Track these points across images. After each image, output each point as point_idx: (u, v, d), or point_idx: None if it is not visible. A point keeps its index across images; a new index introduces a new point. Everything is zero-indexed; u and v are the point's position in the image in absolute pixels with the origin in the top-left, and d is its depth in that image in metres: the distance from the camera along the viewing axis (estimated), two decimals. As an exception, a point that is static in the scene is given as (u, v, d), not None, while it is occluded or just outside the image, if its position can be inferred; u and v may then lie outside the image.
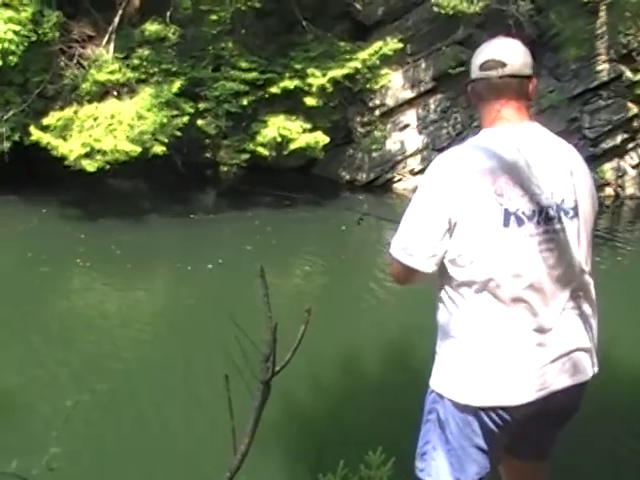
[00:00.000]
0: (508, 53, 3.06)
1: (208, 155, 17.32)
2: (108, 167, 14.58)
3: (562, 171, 3.03)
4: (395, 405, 7.04)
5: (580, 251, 3.06)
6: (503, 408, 3.00)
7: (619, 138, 17.40)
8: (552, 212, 2.98)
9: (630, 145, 17.56)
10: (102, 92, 15.67)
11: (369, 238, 14.06)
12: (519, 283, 2.93)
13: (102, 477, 6.07)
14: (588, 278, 3.12)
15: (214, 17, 16.41)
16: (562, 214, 3.00)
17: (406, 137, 18.26)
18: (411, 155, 18.22)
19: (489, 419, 3.03)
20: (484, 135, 3.09)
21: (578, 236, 3.04)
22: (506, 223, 2.90)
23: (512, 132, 3.04)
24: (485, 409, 3.01)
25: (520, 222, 2.92)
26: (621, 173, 17.52)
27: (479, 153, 2.99)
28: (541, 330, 2.98)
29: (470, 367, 3.01)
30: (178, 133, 15.30)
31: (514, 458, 3.36)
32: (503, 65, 3.02)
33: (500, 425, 3.04)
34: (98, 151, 14.38)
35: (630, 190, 17.49)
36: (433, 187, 2.98)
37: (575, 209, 3.03)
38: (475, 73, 3.11)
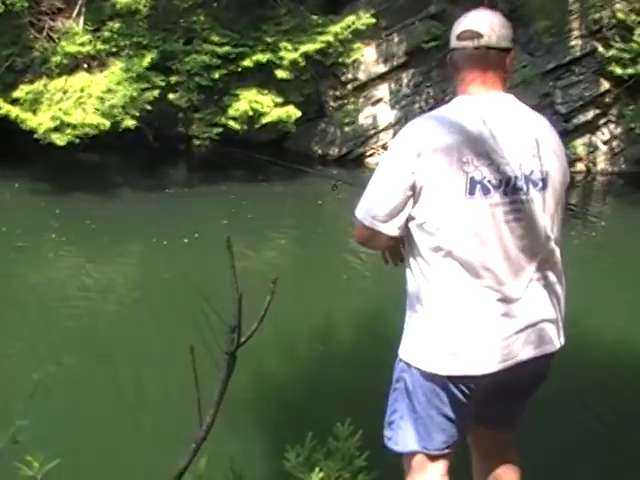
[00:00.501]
0: (486, 24, 3.09)
1: (180, 129, 17.24)
2: (78, 141, 14.46)
3: (531, 143, 3.04)
4: (366, 377, 7.06)
5: (548, 223, 3.07)
6: (469, 377, 3.01)
7: (591, 114, 17.45)
8: (520, 183, 2.99)
9: (602, 121, 17.62)
10: (72, 65, 15.51)
11: (344, 210, 14.01)
12: (485, 252, 2.95)
13: (68, 450, 6.04)
14: (556, 250, 3.13)
15: (185, -10, 16.30)
16: (530, 185, 3.01)
17: (378, 111, 18.23)
18: (383, 129, 18.18)
19: (456, 388, 3.05)
20: (454, 104, 3.12)
21: (546, 208, 3.05)
22: (472, 191, 2.91)
23: (482, 102, 3.06)
24: (452, 378, 3.03)
25: (486, 191, 2.93)
26: (592, 149, 17.59)
27: (447, 121, 3.01)
28: (507, 300, 2.99)
29: (436, 336, 3.03)
30: (149, 107, 15.16)
31: (482, 427, 3.39)
32: (479, 36, 3.05)
33: (467, 394, 3.06)
34: (68, 125, 14.26)
35: (601, 165, 17.58)
36: (399, 152, 3.01)
37: (544, 181, 3.04)
38: (453, 43, 3.14)
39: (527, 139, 3.04)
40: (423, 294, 3.05)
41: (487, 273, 2.96)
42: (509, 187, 2.97)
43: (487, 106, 3.05)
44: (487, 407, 3.22)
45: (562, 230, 3.22)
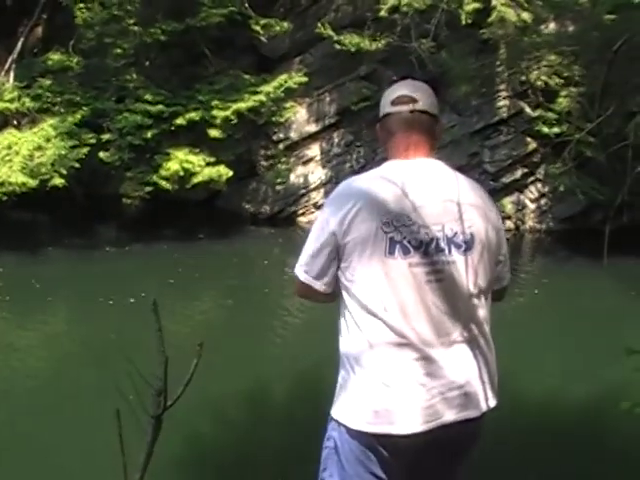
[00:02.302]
0: (418, 91, 3.17)
1: (111, 187, 17.10)
2: (6, 198, 14.29)
3: (454, 206, 3.07)
4: (297, 439, 7.00)
5: (474, 284, 3.07)
6: (393, 436, 3.00)
7: (519, 172, 17.78)
8: (442, 244, 3.01)
9: (529, 179, 17.96)
10: (1, 122, 15.40)
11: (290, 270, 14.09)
12: (406, 311, 2.97)
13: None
14: (482, 311, 3.14)
15: (118, 50, 16.31)
16: (452, 247, 3.03)
17: (310, 170, 18.35)
18: (315, 188, 18.30)
19: (382, 447, 3.03)
20: (383, 167, 3.16)
21: (470, 269, 3.06)
22: (391, 251, 2.95)
23: (409, 167, 3.11)
24: (376, 436, 3.02)
25: (406, 251, 2.96)
26: (521, 207, 17.90)
27: (373, 183, 3.07)
28: (430, 360, 2.99)
29: (361, 394, 3.04)
30: (77, 165, 15.05)
31: None
32: (414, 101, 3.12)
33: (393, 454, 3.04)
34: (-5, 182, 14.10)
35: (530, 223, 17.88)
36: (326, 211, 3.09)
37: (467, 243, 3.06)
38: (386, 108, 3.19)
39: (450, 202, 3.07)
40: (350, 351, 3.07)
41: (410, 332, 2.97)
42: (430, 248, 2.99)
43: (413, 170, 3.10)
44: (417, 470, 3.19)
45: (499, 289, 3.26)
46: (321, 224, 3.08)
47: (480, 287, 3.10)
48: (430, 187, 3.07)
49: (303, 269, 3.13)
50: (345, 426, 3.07)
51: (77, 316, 11.65)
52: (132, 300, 11.40)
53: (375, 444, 3.03)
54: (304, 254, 3.13)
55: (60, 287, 12.82)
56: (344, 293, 3.07)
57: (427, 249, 2.99)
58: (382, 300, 2.96)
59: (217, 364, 8.47)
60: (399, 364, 2.98)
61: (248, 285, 13.76)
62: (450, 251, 3.02)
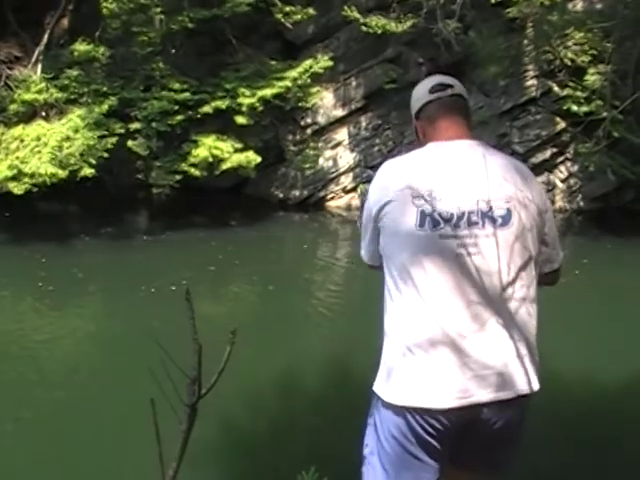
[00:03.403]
0: (450, 80, 3.38)
1: (140, 176, 17.17)
2: (36, 190, 14.38)
3: (493, 181, 3.07)
4: (333, 425, 7.01)
5: (510, 260, 3.05)
6: (425, 410, 2.99)
7: (548, 152, 17.69)
8: (475, 217, 3.02)
9: (559, 159, 17.85)
10: (30, 113, 15.49)
11: (333, 255, 14.18)
12: (437, 285, 2.99)
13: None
14: (522, 288, 3.09)
15: (144, 38, 16.33)
16: (487, 221, 3.02)
17: (338, 155, 18.34)
18: (343, 173, 18.30)
19: (416, 422, 3.02)
20: (426, 147, 3.24)
21: (508, 245, 3.04)
22: (421, 224, 3.01)
23: (450, 146, 3.19)
24: (409, 410, 3.01)
25: (436, 223, 3.01)
26: (551, 187, 17.79)
27: (409, 162, 3.19)
28: (462, 335, 2.98)
29: (396, 366, 3.07)
30: (106, 154, 15.09)
31: (458, 470, 3.32)
32: (451, 87, 3.32)
33: (429, 431, 3.03)
34: (25, 174, 14.19)
35: (559, 203, 17.77)
36: (369, 193, 3.24)
37: (504, 218, 3.04)
38: (425, 98, 3.34)
39: (488, 178, 3.07)
40: (388, 323, 3.14)
41: (442, 308, 2.98)
42: (462, 221, 3.00)
43: (452, 149, 3.17)
44: (459, 449, 3.17)
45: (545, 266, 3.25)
46: (366, 205, 3.25)
47: (518, 264, 3.07)
48: (467, 163, 3.12)
49: (362, 252, 3.39)
50: (381, 400, 3.11)
51: (120, 305, 11.57)
52: (173, 288, 11.42)
53: (410, 420, 3.03)
54: (362, 238, 3.36)
55: (101, 276, 12.85)
56: (384, 268, 3.18)
57: (458, 222, 3.01)
58: (414, 274, 3.01)
59: (266, 348, 8.58)
60: (429, 338, 2.99)
61: (289, 270, 13.84)
62: (484, 225, 3.02)
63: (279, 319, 10.76)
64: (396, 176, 3.13)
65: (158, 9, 16.18)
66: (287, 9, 16.87)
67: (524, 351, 3.09)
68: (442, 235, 2.99)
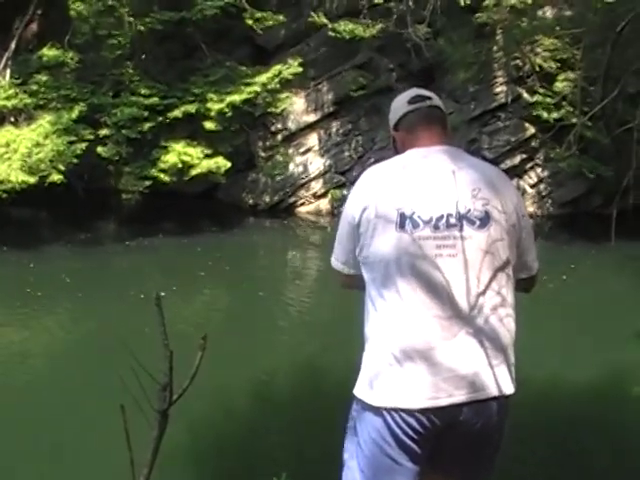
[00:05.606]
0: (428, 93, 3.43)
1: (110, 182, 17.07)
2: (5, 196, 14.26)
3: (471, 185, 3.11)
4: (305, 428, 7.01)
5: (490, 262, 3.07)
6: (403, 410, 3.00)
7: (518, 158, 17.77)
8: (453, 220, 3.05)
9: (529, 165, 17.94)
10: (-1, 119, 15.38)
11: (303, 261, 14.23)
12: (415, 286, 3.02)
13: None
14: (500, 291, 3.11)
15: (113, 41, 16.25)
16: (465, 223, 3.05)
17: (308, 160, 18.32)
18: (314, 178, 18.27)
19: (395, 424, 3.02)
20: (405, 153, 3.28)
21: (486, 247, 3.06)
22: (402, 225, 3.04)
23: (427, 152, 3.23)
24: (388, 410, 3.02)
25: (415, 225, 3.04)
26: (521, 192, 17.81)
27: (389, 166, 3.24)
28: (438, 336, 3.00)
29: (373, 368, 3.08)
30: (75, 160, 14.96)
31: (436, 474, 3.31)
32: (429, 98, 3.38)
33: (408, 433, 3.03)
34: (-7, 180, 14.07)
35: (529, 209, 17.84)
36: (348, 200, 3.25)
37: (483, 220, 3.06)
38: (404, 108, 3.38)
39: (466, 182, 3.12)
40: (367, 326, 3.14)
41: (418, 308, 3.00)
42: (441, 223, 3.04)
43: (431, 154, 3.22)
44: (439, 453, 3.17)
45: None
46: (343, 212, 3.26)
47: (496, 266, 3.09)
48: (446, 167, 3.15)
49: (334, 257, 3.33)
50: (361, 402, 3.11)
51: (92, 312, 11.56)
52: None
53: (390, 422, 3.03)
54: (335, 243, 3.33)
55: (72, 283, 12.71)
56: (362, 268, 3.18)
57: (437, 223, 3.04)
58: (391, 275, 3.04)
59: (236, 354, 8.59)
60: (412, 344, 3.00)
61: (260, 276, 13.89)
62: (462, 227, 3.05)
63: (250, 324, 10.75)
64: (376, 181, 3.18)
65: (126, 9, 16.09)
66: (258, 15, 16.83)
67: (501, 352, 3.10)
68: (421, 237, 3.02)
